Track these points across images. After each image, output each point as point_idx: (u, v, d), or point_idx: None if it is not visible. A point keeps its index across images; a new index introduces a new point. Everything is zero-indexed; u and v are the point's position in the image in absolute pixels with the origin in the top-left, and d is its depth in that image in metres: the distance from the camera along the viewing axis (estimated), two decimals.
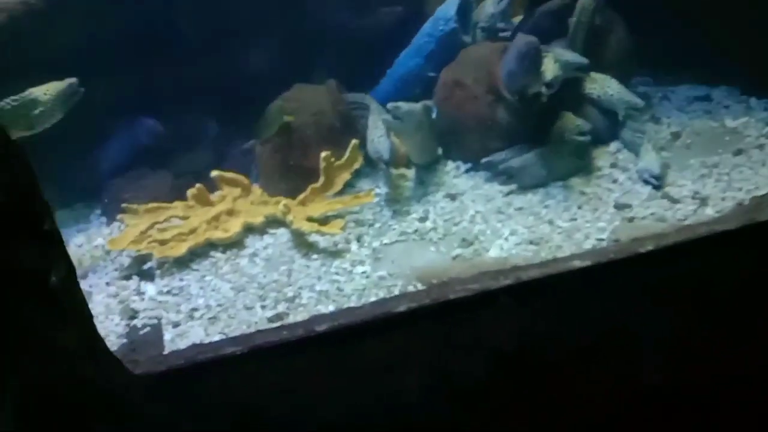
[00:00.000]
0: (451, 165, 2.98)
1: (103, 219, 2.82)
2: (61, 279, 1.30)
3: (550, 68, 2.57)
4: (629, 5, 3.10)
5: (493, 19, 2.97)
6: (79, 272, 2.43)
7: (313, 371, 1.84)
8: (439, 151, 3.04)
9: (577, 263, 2.01)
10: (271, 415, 1.82)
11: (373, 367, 1.85)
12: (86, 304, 1.49)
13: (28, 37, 2.49)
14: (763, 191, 2.50)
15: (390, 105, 2.71)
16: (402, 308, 1.90)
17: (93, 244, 2.65)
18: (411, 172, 2.96)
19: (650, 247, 2.02)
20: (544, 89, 2.55)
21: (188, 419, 1.75)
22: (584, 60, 2.79)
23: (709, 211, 2.49)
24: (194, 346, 1.90)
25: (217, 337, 2.14)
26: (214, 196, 2.73)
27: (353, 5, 3.14)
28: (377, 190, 2.89)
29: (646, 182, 2.68)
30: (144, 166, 2.88)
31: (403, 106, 2.71)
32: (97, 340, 1.53)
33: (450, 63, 2.93)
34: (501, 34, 2.98)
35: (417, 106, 2.77)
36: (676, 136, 2.93)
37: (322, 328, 1.86)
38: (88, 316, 1.49)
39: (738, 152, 2.77)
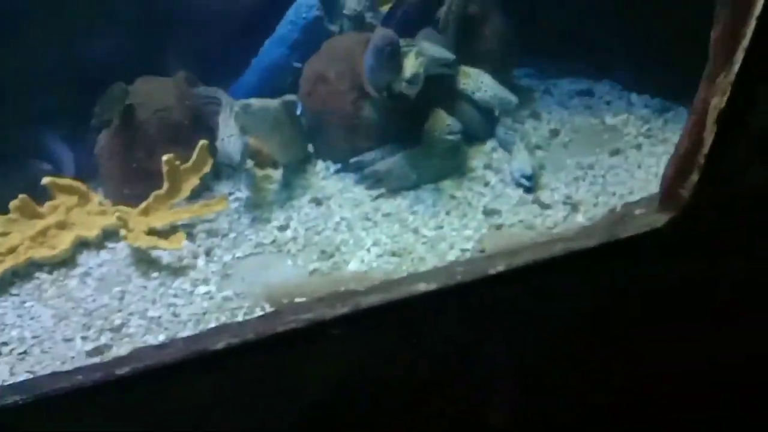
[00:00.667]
0: (321, 165, 2.75)
1: None
2: None
3: (411, 64, 2.35)
4: None
5: (360, 7, 2.73)
6: None
7: (111, 422, 1.61)
8: (310, 148, 2.82)
9: (423, 286, 1.84)
10: None
11: (181, 417, 1.63)
12: None
13: None
14: (637, 196, 2.40)
15: (239, 103, 2.44)
16: (219, 345, 1.69)
17: None
18: (277, 173, 2.72)
19: (501, 268, 1.86)
20: (404, 86, 2.34)
21: None
22: (451, 55, 2.60)
23: (580, 218, 2.37)
24: None
25: (23, 377, 1.88)
26: (45, 207, 2.42)
27: None
28: (238, 194, 2.64)
29: (518, 184, 2.53)
30: None
31: (255, 103, 2.44)
32: None
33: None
34: (369, 22, 2.75)
35: (272, 103, 2.51)
36: (554, 133, 2.80)
37: (122, 371, 1.63)
38: None
39: (615, 152, 2.66)
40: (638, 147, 2.66)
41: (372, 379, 1.74)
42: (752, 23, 1.55)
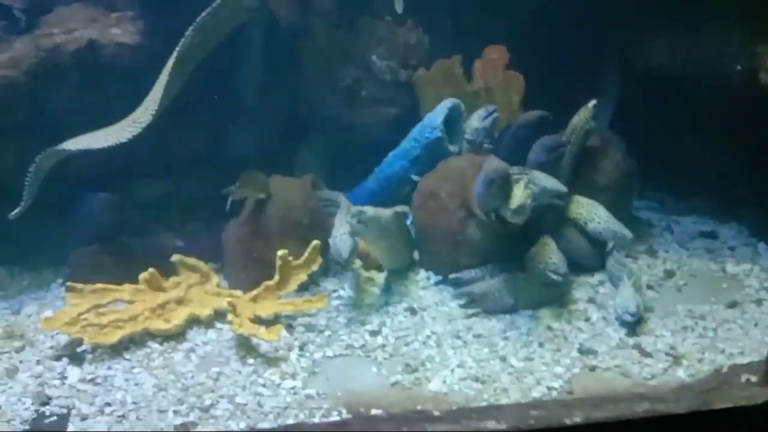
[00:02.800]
0: (423, 274, 2.84)
1: (63, 290, 2.80)
2: None
3: (519, 194, 2.40)
4: (638, 127, 2.93)
5: (477, 133, 2.86)
6: (17, 344, 2.49)
7: None
8: (416, 256, 2.92)
9: (492, 425, 1.81)
10: None
11: None
12: None
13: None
14: (747, 358, 2.22)
15: (355, 209, 2.60)
16: None
17: (41, 316, 2.63)
18: (381, 277, 2.84)
19: (578, 420, 1.80)
20: (509, 215, 2.38)
21: None
22: (563, 188, 2.62)
23: (681, 374, 2.24)
24: None
25: None
26: (169, 282, 2.68)
27: (348, 101, 3.12)
28: (341, 292, 2.78)
29: (621, 322, 2.45)
30: (118, 238, 2.89)
31: (369, 211, 2.59)
32: None
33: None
34: (485, 146, 2.85)
35: (385, 213, 2.65)
36: (669, 274, 2.69)
37: None
38: None
39: (732, 304, 2.49)
40: (759, 302, 2.48)
41: None
42: None
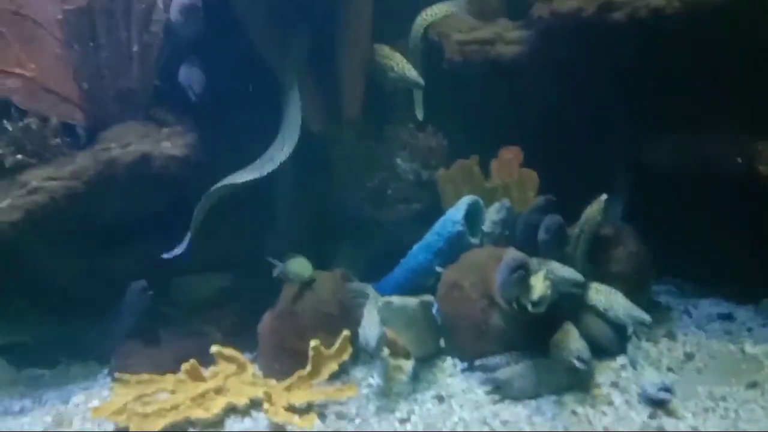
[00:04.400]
0: (449, 362, 2.94)
1: (108, 379, 2.99)
2: None
3: (539, 286, 2.55)
4: (652, 220, 3.10)
5: (495, 226, 3.04)
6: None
7: None
8: (442, 343, 3.03)
9: None
10: None
11: None
12: None
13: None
14: None
15: (383, 299, 2.77)
16: None
17: (89, 405, 2.79)
18: (409, 365, 2.95)
19: None
20: (530, 306, 2.53)
21: None
22: (581, 278, 2.76)
23: None
24: None
25: None
26: (209, 372, 2.83)
27: (375, 200, 3.37)
28: (370, 380, 2.89)
29: (655, 401, 2.49)
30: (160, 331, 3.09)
31: (396, 301, 2.75)
32: None
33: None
34: (503, 235, 3.03)
35: (411, 302, 2.80)
36: (689, 357, 2.76)
37: None
38: None
39: (752, 385, 2.55)
40: None
41: None
42: None
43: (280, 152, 3.08)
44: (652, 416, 2.46)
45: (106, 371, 3.06)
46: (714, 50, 2.85)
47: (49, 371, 3.09)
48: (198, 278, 3.19)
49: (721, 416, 2.42)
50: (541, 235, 2.79)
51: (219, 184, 2.96)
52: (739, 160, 2.74)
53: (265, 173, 3.02)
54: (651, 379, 2.57)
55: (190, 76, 2.99)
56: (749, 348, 2.76)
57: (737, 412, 2.44)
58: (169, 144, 2.89)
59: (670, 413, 2.47)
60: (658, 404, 2.50)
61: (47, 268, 2.94)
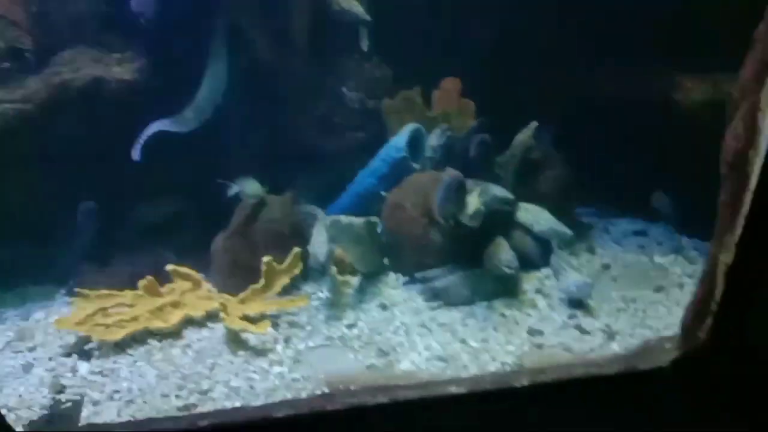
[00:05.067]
0: (392, 276, 3.19)
1: (66, 299, 3.10)
2: None
3: (474, 202, 2.81)
4: (580, 147, 3.37)
5: (435, 151, 3.26)
6: (29, 344, 2.77)
7: None
8: (386, 261, 3.27)
9: (453, 389, 2.14)
10: None
11: None
12: None
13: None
14: (671, 332, 2.59)
15: (331, 218, 2.97)
16: (280, 414, 2.06)
17: (49, 321, 2.93)
18: (355, 280, 3.18)
19: (525, 383, 2.13)
20: (467, 219, 2.77)
21: None
22: (510, 196, 3.03)
23: (615, 347, 2.60)
24: (89, 424, 2.10)
25: (126, 419, 2.35)
26: (165, 288, 2.99)
27: (323, 128, 3.53)
28: (320, 294, 3.11)
29: (570, 299, 2.82)
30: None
31: (343, 220, 2.97)
32: None
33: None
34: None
35: (357, 221, 3.01)
36: (605, 267, 3.09)
37: (203, 423, 2.04)
38: None
39: (659, 289, 2.89)
40: (681, 286, 2.88)
41: None
42: (749, 195, 1.84)
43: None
44: (570, 317, 2.78)
45: (63, 291, 3.17)
46: None
47: (7, 293, 3.18)
48: (150, 203, 3.31)
49: (632, 315, 2.76)
50: (471, 151, 3.03)
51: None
52: (657, 88, 3.02)
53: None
54: (573, 279, 2.89)
55: (141, 1, 3.04)
56: (658, 258, 3.11)
57: (645, 311, 2.78)
58: (120, 69, 2.96)
59: (587, 313, 2.79)
60: (577, 304, 2.83)
61: (1, 192, 3.00)
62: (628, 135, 3.28)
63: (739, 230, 1.81)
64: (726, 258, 1.84)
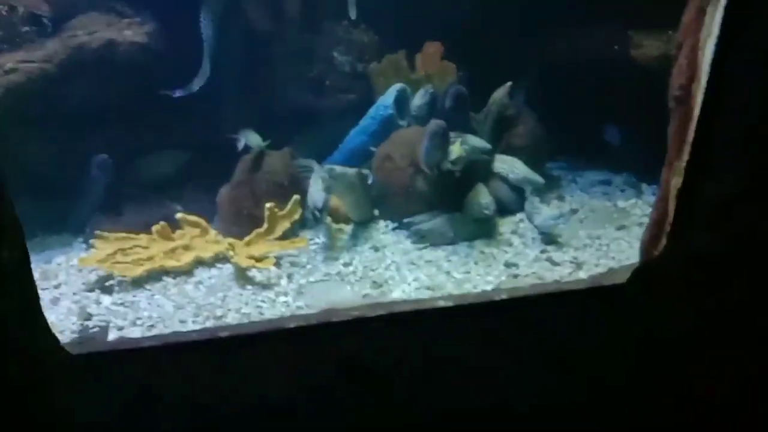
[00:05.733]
0: (382, 223, 3.50)
1: (84, 246, 3.37)
2: (11, 257, 1.78)
3: (455, 150, 3.15)
4: (551, 104, 3.70)
5: (420, 109, 3.57)
6: (53, 283, 3.05)
7: (209, 368, 2.28)
8: (376, 212, 3.58)
9: (441, 303, 2.46)
10: (166, 399, 2.25)
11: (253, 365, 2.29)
12: (33, 285, 1.95)
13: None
14: (631, 262, 2.94)
15: (326, 167, 3.28)
16: (291, 325, 2.37)
17: (70, 263, 3.20)
18: (348, 228, 3.49)
19: (504, 296, 2.46)
20: (449, 165, 3.09)
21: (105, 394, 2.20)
22: (488, 145, 3.35)
23: (582, 275, 2.94)
24: (121, 338, 2.39)
25: None
26: (176, 234, 3.27)
27: (315, 90, 3.83)
28: (317, 240, 3.41)
29: (543, 234, 3.16)
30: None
31: (337, 168, 3.27)
32: (38, 317, 2.02)
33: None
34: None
35: (349, 171, 3.32)
36: (574, 211, 3.42)
37: (224, 334, 2.33)
38: (33, 295, 1.98)
39: (621, 228, 3.24)
40: (641, 225, 3.21)
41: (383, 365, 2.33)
42: (694, 123, 2.16)
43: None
44: (542, 252, 3.12)
45: (80, 239, 3.43)
46: None
47: (28, 242, 3.41)
48: (157, 157, 3.58)
49: (597, 249, 3.10)
50: (447, 103, 3.34)
51: None
52: (616, 47, 3.36)
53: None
54: (548, 213, 3.24)
55: None
56: (621, 203, 3.46)
57: (608, 246, 3.12)
58: (131, 32, 3.21)
59: (557, 248, 3.14)
60: (550, 237, 3.17)
61: (22, 149, 3.24)
62: (592, 92, 3.61)
63: (686, 156, 2.13)
64: (677, 182, 2.16)
